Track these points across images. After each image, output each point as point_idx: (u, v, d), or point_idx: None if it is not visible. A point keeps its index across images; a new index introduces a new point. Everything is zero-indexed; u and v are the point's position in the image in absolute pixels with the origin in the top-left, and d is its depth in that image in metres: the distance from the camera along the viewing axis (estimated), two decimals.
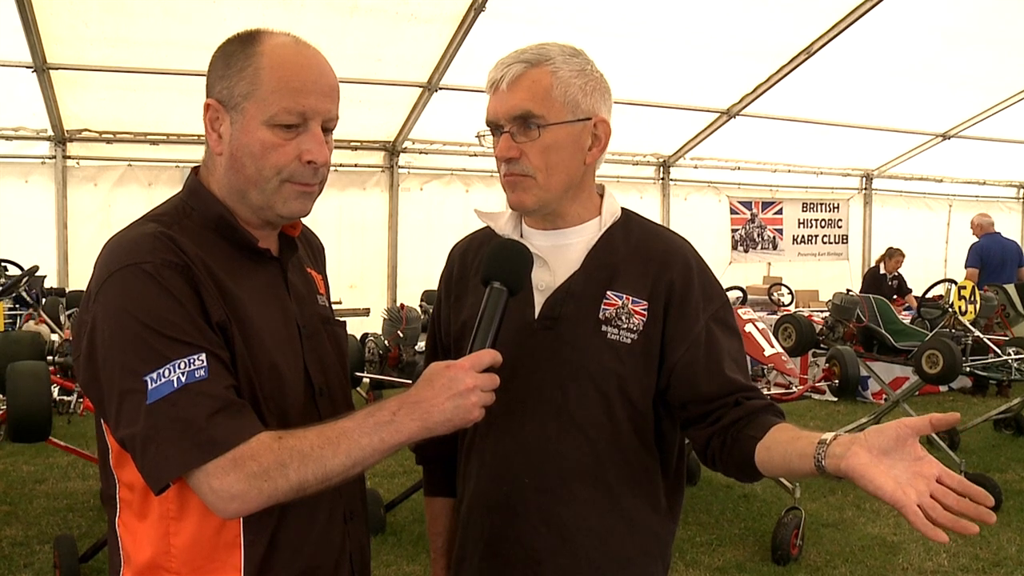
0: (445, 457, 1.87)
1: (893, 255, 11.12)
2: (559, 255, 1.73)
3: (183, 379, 1.33)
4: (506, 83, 1.64)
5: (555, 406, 1.67)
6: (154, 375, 1.33)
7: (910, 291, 10.94)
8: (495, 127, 1.67)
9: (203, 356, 1.36)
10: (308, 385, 1.56)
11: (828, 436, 1.40)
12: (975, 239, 10.67)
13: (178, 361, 1.34)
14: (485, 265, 1.59)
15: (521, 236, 1.77)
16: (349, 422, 1.39)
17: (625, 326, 1.67)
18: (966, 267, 10.45)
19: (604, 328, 1.67)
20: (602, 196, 1.79)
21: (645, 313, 1.67)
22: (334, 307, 1.84)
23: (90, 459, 5.27)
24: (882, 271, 11.16)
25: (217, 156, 1.52)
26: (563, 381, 1.67)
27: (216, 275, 1.45)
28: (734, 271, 12.16)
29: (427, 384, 1.42)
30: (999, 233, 10.88)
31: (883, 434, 1.33)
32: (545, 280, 1.72)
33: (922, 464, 1.30)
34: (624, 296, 1.68)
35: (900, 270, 11.16)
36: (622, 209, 1.79)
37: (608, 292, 1.68)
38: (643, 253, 1.72)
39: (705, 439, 1.66)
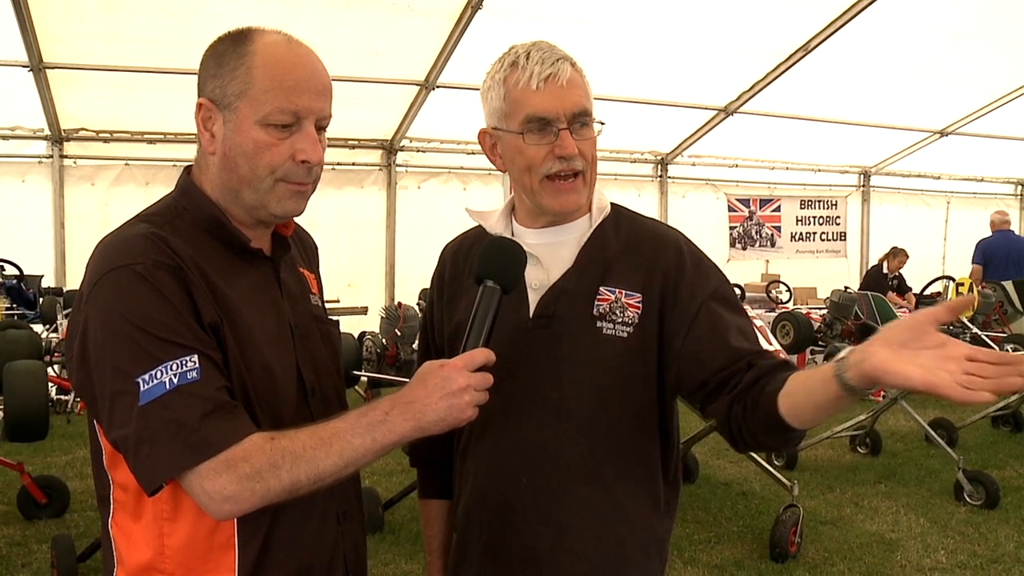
0: (440, 459, 1.87)
1: (897, 255, 11.12)
2: (552, 253, 1.73)
3: (175, 380, 1.33)
4: (565, 79, 1.63)
5: (552, 404, 1.67)
6: (146, 377, 1.33)
7: (910, 289, 10.94)
8: (544, 123, 1.64)
9: (195, 357, 1.36)
10: (300, 385, 1.56)
11: (844, 351, 1.36)
12: (987, 235, 10.68)
13: (170, 363, 1.34)
14: (478, 264, 1.59)
15: (512, 235, 1.76)
16: (342, 422, 1.39)
17: (620, 320, 1.66)
18: (972, 264, 10.46)
19: (599, 324, 1.66)
20: None
21: (639, 306, 1.67)
22: (331, 306, 1.83)
23: (10, 467, 5.30)
24: (884, 270, 11.16)
25: (210, 156, 1.51)
26: (560, 379, 1.67)
27: (208, 275, 1.45)
28: (732, 269, 12.16)
29: (420, 384, 1.42)
30: (1011, 231, 10.89)
31: (899, 327, 1.28)
32: (539, 278, 1.71)
33: (948, 347, 1.23)
34: (617, 291, 1.68)
35: (901, 269, 11.16)
36: (612, 204, 1.79)
37: (601, 288, 1.68)
38: (634, 246, 1.72)
39: (726, 409, 1.59)
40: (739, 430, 1.58)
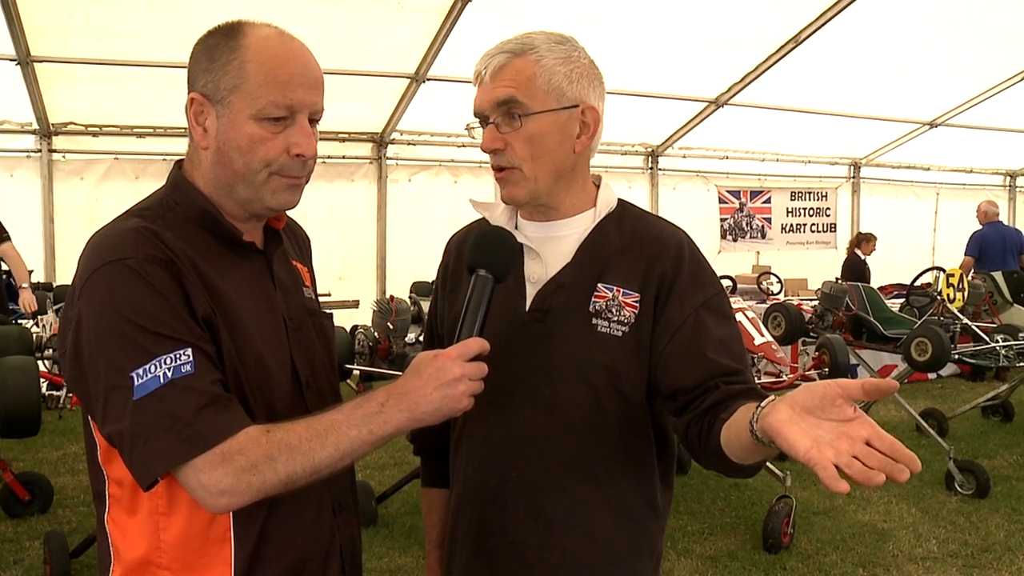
0: (442, 448, 1.86)
1: (870, 239, 11.19)
2: (552, 247, 1.71)
3: (169, 374, 1.33)
4: (489, 74, 1.62)
5: (544, 399, 1.66)
6: (140, 371, 1.32)
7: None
8: (482, 119, 1.66)
9: (189, 351, 1.35)
10: (295, 378, 1.56)
11: (767, 400, 1.33)
12: (978, 226, 10.71)
13: (164, 356, 1.33)
14: (469, 253, 1.58)
15: (516, 227, 1.75)
16: (337, 414, 1.39)
17: (616, 318, 1.65)
18: (965, 255, 10.50)
19: (595, 321, 1.65)
20: (598, 187, 1.77)
21: (637, 305, 1.65)
22: (323, 299, 1.83)
23: None
24: (861, 256, 11.20)
25: (203, 150, 1.51)
26: (552, 374, 1.66)
27: (201, 269, 1.44)
28: (723, 260, 12.19)
29: (415, 374, 1.42)
30: (1001, 222, 10.93)
31: (811, 392, 1.23)
32: (537, 272, 1.70)
33: (851, 425, 1.19)
34: (615, 288, 1.66)
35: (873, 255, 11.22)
36: (619, 200, 1.76)
37: (599, 284, 1.66)
38: (636, 245, 1.70)
39: (684, 429, 1.60)
40: (695, 452, 1.59)
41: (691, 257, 1.70)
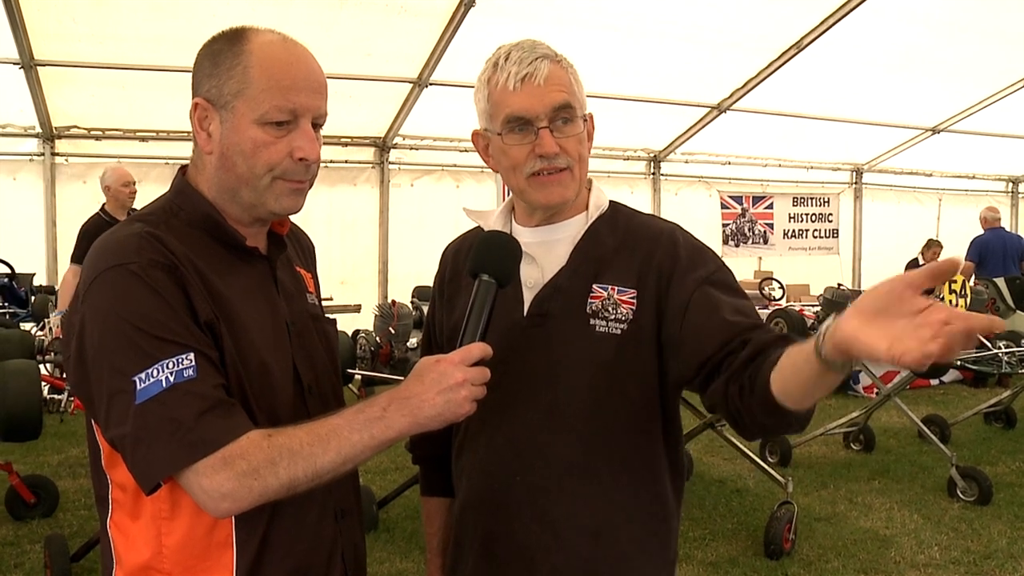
0: (441, 456, 1.86)
1: (931, 246, 11.22)
2: (547, 251, 1.72)
3: (172, 379, 1.33)
4: (542, 78, 1.63)
5: (546, 403, 1.66)
6: (143, 375, 1.33)
7: None
8: (524, 123, 1.64)
9: (191, 355, 1.35)
10: (297, 383, 1.56)
11: (828, 321, 1.27)
12: (980, 232, 10.71)
13: (166, 361, 1.33)
14: (472, 258, 1.58)
15: (511, 233, 1.75)
16: (339, 419, 1.39)
17: (613, 317, 1.65)
18: (965, 259, 10.51)
19: (592, 322, 1.65)
20: (589, 190, 1.79)
21: (633, 301, 1.66)
22: (325, 303, 1.83)
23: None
24: (921, 262, 11.21)
25: (207, 155, 1.51)
26: (553, 377, 1.66)
27: (204, 274, 1.44)
28: None
29: (417, 379, 1.42)
30: (1003, 228, 10.93)
31: (875, 294, 1.18)
32: (534, 277, 1.71)
33: (927, 313, 1.12)
34: (609, 287, 1.67)
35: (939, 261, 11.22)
36: (610, 202, 1.78)
37: (593, 285, 1.67)
38: (630, 243, 1.71)
39: (723, 389, 1.53)
40: (739, 412, 1.51)
41: (685, 243, 1.71)
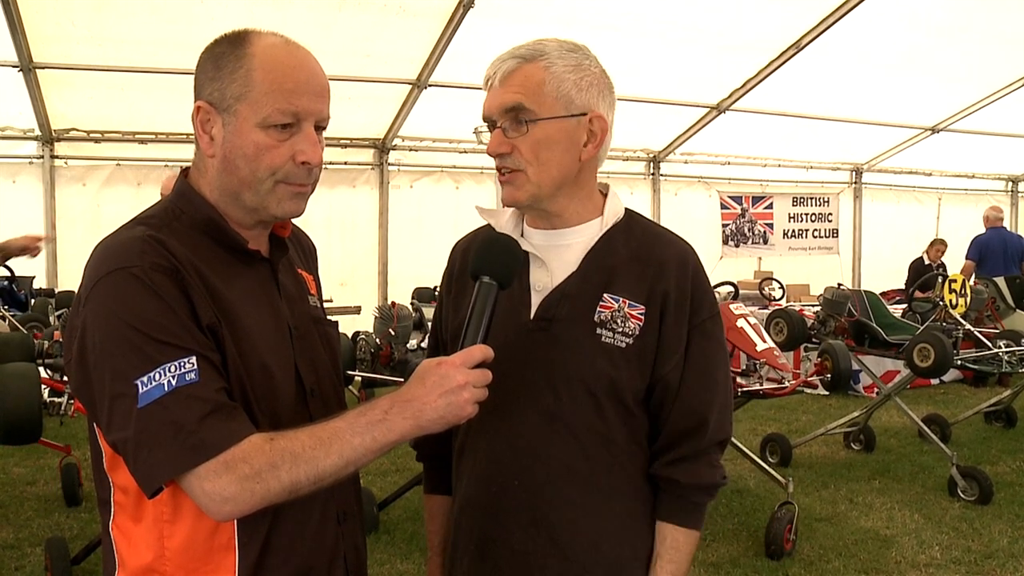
0: (445, 454, 1.85)
1: (936, 244, 11.18)
2: (557, 255, 1.71)
3: (174, 382, 1.33)
4: (499, 79, 1.63)
5: (546, 408, 1.65)
6: (144, 379, 1.32)
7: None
8: (490, 123, 1.66)
9: (193, 359, 1.35)
10: (299, 385, 1.56)
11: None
12: (981, 231, 10.71)
13: (168, 364, 1.33)
14: (473, 260, 1.58)
15: (522, 235, 1.75)
16: (341, 422, 1.38)
17: (620, 330, 1.64)
18: (966, 259, 10.49)
19: (599, 331, 1.64)
20: (605, 196, 1.76)
21: (642, 318, 1.65)
22: (325, 305, 1.83)
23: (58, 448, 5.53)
24: (926, 261, 11.18)
25: (209, 158, 1.51)
26: (555, 383, 1.65)
27: (206, 277, 1.44)
28: (725, 266, 12.18)
29: (419, 382, 1.41)
30: (1004, 227, 10.93)
31: None
32: (542, 280, 1.69)
33: None
34: (621, 299, 1.65)
35: (943, 259, 11.17)
36: (626, 210, 1.75)
37: (604, 295, 1.66)
38: (643, 257, 1.69)
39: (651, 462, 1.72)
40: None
41: (695, 278, 1.70)
